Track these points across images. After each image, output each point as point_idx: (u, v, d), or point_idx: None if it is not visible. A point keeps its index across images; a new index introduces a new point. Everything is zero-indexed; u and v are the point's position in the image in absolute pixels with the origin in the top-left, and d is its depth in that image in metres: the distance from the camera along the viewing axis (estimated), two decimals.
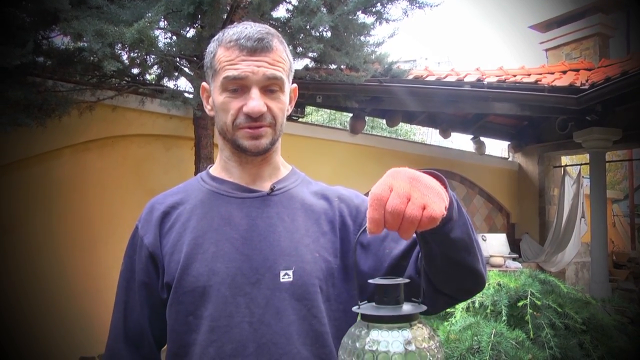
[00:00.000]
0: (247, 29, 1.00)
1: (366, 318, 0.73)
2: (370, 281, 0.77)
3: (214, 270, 0.97)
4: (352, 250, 1.03)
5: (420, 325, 0.74)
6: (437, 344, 0.73)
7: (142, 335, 1.05)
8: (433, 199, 0.73)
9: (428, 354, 0.71)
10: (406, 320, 0.72)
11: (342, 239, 1.05)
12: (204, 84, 1.10)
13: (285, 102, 1.04)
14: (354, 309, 0.76)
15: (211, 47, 1.04)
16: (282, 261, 0.98)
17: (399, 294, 0.75)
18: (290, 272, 0.98)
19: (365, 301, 0.78)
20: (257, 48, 0.98)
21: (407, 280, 0.77)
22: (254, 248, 0.99)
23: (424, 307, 0.75)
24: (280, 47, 1.02)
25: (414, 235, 1.02)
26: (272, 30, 1.03)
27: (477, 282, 0.96)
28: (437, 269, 0.89)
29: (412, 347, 0.70)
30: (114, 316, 1.08)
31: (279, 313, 0.96)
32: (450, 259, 0.88)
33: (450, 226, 0.83)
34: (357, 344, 0.72)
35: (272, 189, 1.05)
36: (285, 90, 1.04)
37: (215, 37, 1.05)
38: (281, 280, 0.97)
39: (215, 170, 1.11)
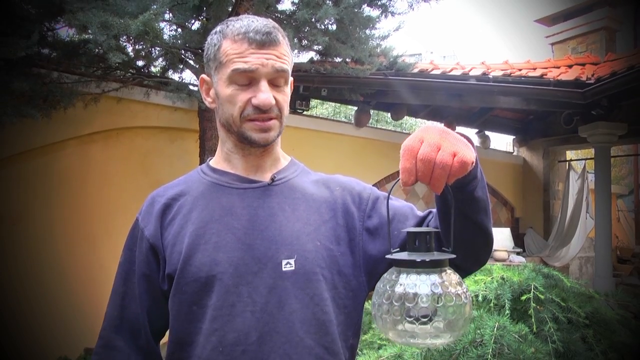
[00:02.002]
0: (253, 22, 1.00)
1: (397, 263, 0.78)
2: (403, 230, 0.83)
3: (216, 261, 0.97)
4: (358, 236, 1.05)
5: (450, 272, 0.78)
6: (465, 290, 0.77)
7: (140, 326, 1.05)
8: (463, 147, 0.79)
9: (454, 298, 0.75)
10: (435, 265, 0.76)
11: (347, 227, 1.06)
12: (203, 76, 1.09)
13: (289, 94, 1.06)
14: (388, 256, 0.81)
15: (214, 39, 1.04)
16: (284, 250, 0.99)
17: (430, 242, 0.80)
18: (292, 261, 0.98)
19: (398, 249, 0.84)
20: (265, 41, 0.99)
21: (438, 230, 0.82)
22: (255, 238, 1.00)
23: (454, 255, 0.79)
24: (284, 42, 1.04)
25: (420, 215, 1.04)
26: (275, 24, 1.04)
27: (487, 249, 1.01)
28: (455, 235, 0.89)
29: (440, 290, 0.74)
30: (110, 307, 1.07)
31: (281, 302, 0.96)
32: (470, 220, 0.92)
33: (475, 184, 0.88)
34: (388, 287, 0.77)
35: (272, 179, 1.07)
36: (289, 83, 1.06)
37: (217, 30, 1.05)
38: (283, 269, 0.98)
39: (215, 162, 1.12)
